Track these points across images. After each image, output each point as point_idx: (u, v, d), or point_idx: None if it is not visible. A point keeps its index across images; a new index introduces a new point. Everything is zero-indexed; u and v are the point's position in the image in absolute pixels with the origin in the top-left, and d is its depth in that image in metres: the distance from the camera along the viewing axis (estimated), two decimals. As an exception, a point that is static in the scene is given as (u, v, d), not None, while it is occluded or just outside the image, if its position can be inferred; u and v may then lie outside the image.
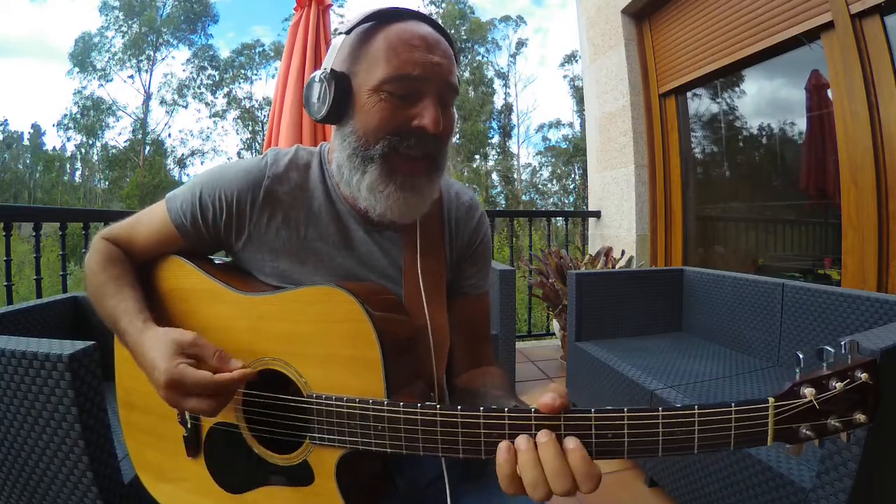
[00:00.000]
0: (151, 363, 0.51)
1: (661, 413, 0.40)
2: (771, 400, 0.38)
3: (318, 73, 0.57)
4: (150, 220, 0.65)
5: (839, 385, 0.37)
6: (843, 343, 0.39)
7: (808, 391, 0.38)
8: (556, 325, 2.94)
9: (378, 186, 0.57)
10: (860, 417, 0.37)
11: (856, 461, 0.78)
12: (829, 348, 0.39)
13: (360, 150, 0.57)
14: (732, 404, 0.39)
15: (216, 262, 0.68)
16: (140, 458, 0.66)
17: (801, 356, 0.40)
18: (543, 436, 0.41)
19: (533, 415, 0.42)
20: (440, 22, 0.60)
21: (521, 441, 0.42)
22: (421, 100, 0.55)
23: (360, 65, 0.56)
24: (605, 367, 1.59)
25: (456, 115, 0.63)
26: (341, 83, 0.56)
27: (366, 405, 0.49)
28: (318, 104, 0.57)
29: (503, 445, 0.42)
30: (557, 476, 0.40)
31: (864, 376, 0.37)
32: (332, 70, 0.56)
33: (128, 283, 0.62)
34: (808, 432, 0.38)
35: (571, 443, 0.41)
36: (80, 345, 0.71)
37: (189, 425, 0.61)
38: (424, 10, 0.61)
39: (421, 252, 0.65)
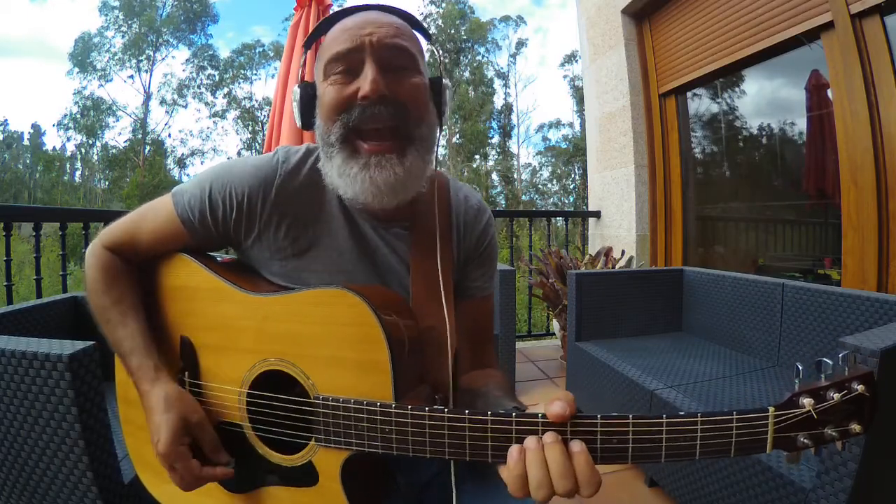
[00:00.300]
0: (156, 427, 0.55)
1: (664, 420, 0.41)
2: (771, 409, 0.40)
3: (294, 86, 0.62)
4: (154, 217, 0.64)
5: (836, 396, 0.39)
6: (841, 355, 0.41)
7: (807, 401, 0.39)
8: (556, 325, 2.94)
9: (344, 170, 0.57)
10: (855, 428, 0.39)
11: (856, 461, 0.78)
12: (828, 360, 0.41)
13: (324, 138, 0.59)
14: (734, 413, 0.40)
15: (222, 260, 0.68)
16: (140, 457, 0.66)
17: (800, 367, 0.42)
18: (549, 437, 0.42)
19: (540, 419, 0.43)
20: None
21: (530, 441, 0.43)
22: (361, 71, 0.56)
23: (317, 66, 0.60)
24: (605, 367, 1.58)
25: (421, 83, 0.59)
26: (306, 90, 0.60)
27: (374, 408, 0.49)
28: (296, 114, 0.61)
29: (515, 448, 0.43)
30: (562, 477, 0.41)
31: (860, 388, 0.38)
32: (301, 81, 0.61)
33: (131, 307, 0.62)
34: (805, 441, 0.40)
35: (577, 446, 0.42)
36: (80, 345, 0.71)
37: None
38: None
39: (430, 251, 0.65)
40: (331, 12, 0.66)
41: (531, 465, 0.42)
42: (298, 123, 0.61)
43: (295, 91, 0.61)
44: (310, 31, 2.27)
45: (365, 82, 0.54)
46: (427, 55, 0.64)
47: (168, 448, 0.54)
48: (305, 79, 0.63)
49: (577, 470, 0.41)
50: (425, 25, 0.63)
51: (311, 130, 0.62)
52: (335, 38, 0.57)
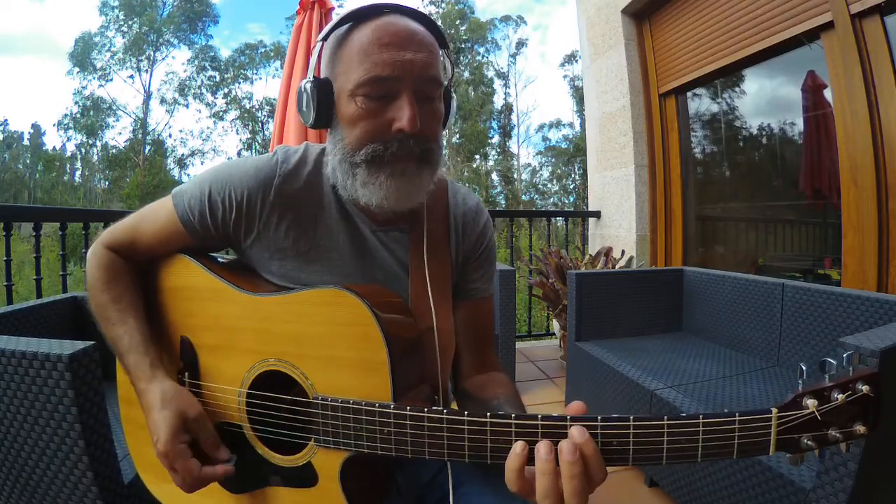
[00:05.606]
0: (154, 425, 0.55)
1: (665, 422, 0.40)
2: (774, 410, 0.39)
3: (303, 81, 0.58)
4: (155, 218, 0.64)
5: (841, 397, 0.38)
6: (845, 355, 0.40)
7: (811, 402, 0.38)
8: (556, 325, 2.94)
9: (369, 181, 0.57)
10: (860, 429, 0.38)
11: (856, 461, 0.78)
12: (832, 360, 0.40)
13: (347, 157, 0.58)
14: (737, 414, 0.39)
15: (222, 261, 0.68)
16: (140, 457, 0.66)
17: (804, 368, 0.41)
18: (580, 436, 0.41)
19: (539, 422, 0.43)
20: (440, 21, 0.59)
21: (542, 447, 0.42)
22: (397, 99, 0.54)
23: (339, 68, 0.57)
24: (605, 367, 1.58)
25: (444, 110, 0.62)
26: (323, 89, 0.58)
27: (373, 408, 0.49)
28: (307, 111, 0.59)
29: (518, 445, 0.42)
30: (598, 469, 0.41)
31: (865, 388, 0.37)
32: (314, 77, 0.58)
33: (130, 305, 0.62)
34: (809, 442, 0.39)
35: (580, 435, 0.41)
36: (80, 345, 0.71)
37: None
38: (424, 10, 0.59)
39: (428, 253, 0.65)
40: (332, 14, 0.65)
41: (541, 473, 0.41)
42: (309, 122, 0.59)
43: (305, 87, 0.58)
44: (313, 32, 2.28)
45: (402, 116, 0.53)
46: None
47: (167, 446, 0.53)
48: (318, 74, 0.59)
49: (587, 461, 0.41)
50: (443, 32, 0.61)
51: (322, 129, 0.61)
52: (367, 51, 0.53)
